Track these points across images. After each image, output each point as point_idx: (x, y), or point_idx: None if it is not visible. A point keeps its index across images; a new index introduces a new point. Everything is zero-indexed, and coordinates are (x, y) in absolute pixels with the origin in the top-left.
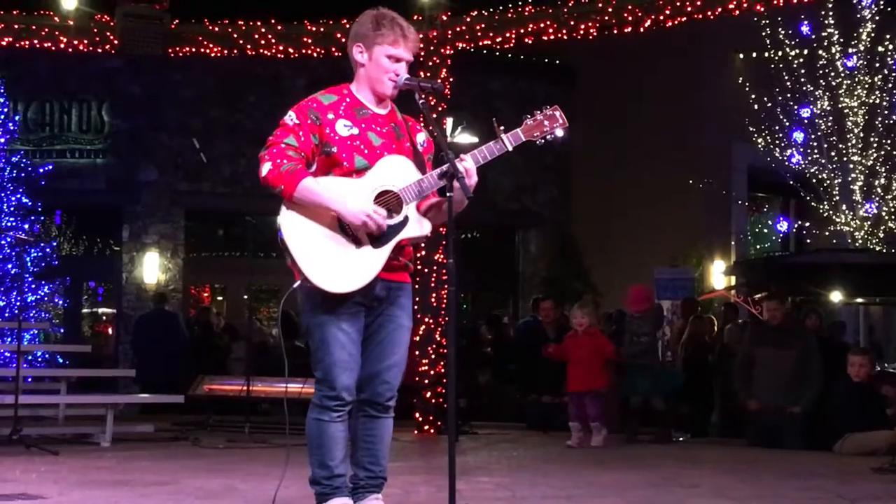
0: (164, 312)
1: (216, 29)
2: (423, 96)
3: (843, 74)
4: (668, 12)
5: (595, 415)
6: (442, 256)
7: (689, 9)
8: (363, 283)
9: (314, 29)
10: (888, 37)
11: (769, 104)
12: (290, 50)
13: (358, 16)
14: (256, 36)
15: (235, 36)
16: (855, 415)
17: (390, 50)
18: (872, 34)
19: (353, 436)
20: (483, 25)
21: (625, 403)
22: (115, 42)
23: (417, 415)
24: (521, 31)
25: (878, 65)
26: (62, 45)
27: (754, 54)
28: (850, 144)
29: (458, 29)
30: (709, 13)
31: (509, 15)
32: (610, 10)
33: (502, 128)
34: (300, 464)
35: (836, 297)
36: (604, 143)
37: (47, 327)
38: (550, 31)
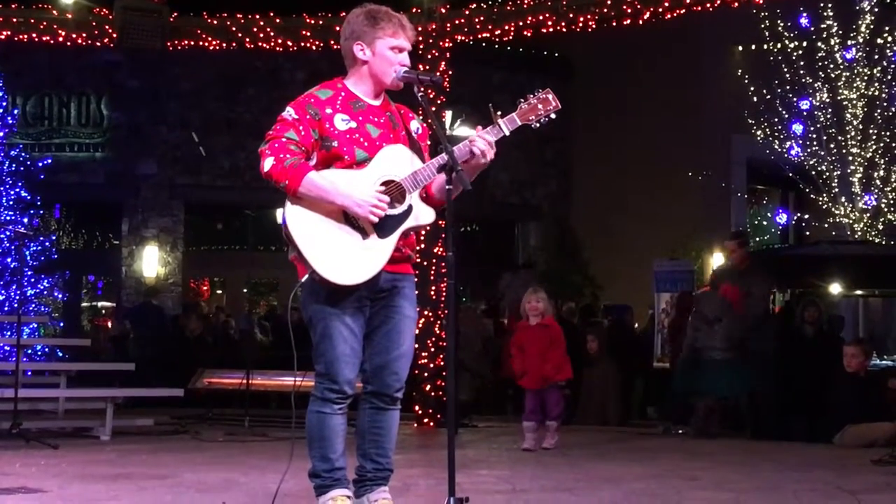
0: (150, 305)
1: (215, 22)
2: (423, 89)
3: (842, 66)
4: (666, 4)
5: (556, 413)
6: (441, 250)
7: (687, 1)
8: (372, 273)
9: (313, 22)
10: (887, 29)
11: (768, 96)
12: (289, 43)
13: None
14: (255, 29)
15: (234, 29)
16: (854, 406)
17: (392, 41)
18: (871, 26)
19: (360, 428)
20: (482, 18)
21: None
22: (114, 35)
23: (417, 408)
24: (520, 23)
25: (877, 57)
26: (61, 39)
27: (753, 46)
28: (849, 136)
29: (456, 22)
30: (707, 5)
31: (508, 7)
32: (609, 2)
33: (499, 113)
34: (299, 457)
35: (835, 289)
36: (603, 136)
37: (46, 321)
38: (549, 23)
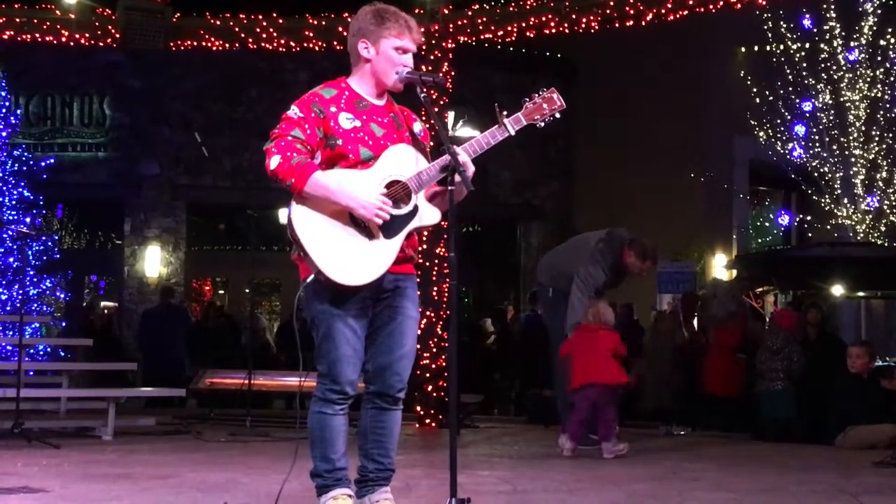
0: (171, 306)
1: (218, 22)
2: (425, 90)
3: (844, 68)
4: (669, 6)
5: (606, 431)
6: (443, 250)
7: (690, 2)
8: (378, 274)
9: (316, 22)
10: (890, 30)
11: (771, 98)
12: (292, 43)
13: (358, 10)
14: (258, 29)
15: (237, 29)
16: (856, 408)
17: (397, 42)
18: (874, 28)
19: (363, 428)
20: (484, 19)
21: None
22: (117, 36)
23: (419, 408)
24: (523, 24)
25: (879, 58)
26: (64, 39)
27: (756, 48)
28: (851, 138)
29: (459, 23)
30: (710, 6)
31: (511, 9)
32: (611, 3)
33: (504, 112)
34: (301, 456)
35: (837, 290)
36: (605, 137)
37: (49, 321)
38: (552, 24)
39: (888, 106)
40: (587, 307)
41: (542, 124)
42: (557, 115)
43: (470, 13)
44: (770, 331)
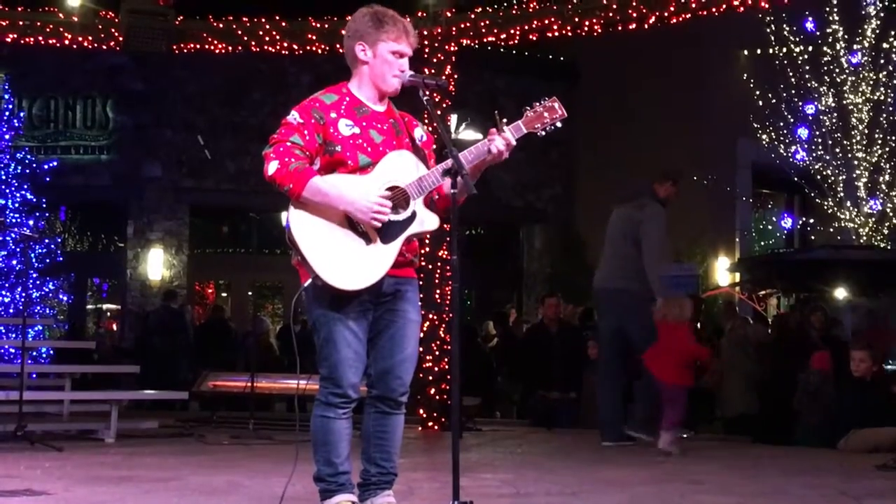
0: (170, 309)
1: (221, 25)
2: (428, 93)
3: (847, 71)
4: (672, 9)
5: (668, 419)
6: (446, 253)
7: (693, 5)
8: (375, 279)
9: (319, 25)
10: (893, 33)
11: (774, 101)
12: (295, 46)
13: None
14: (261, 32)
15: (240, 32)
16: (859, 411)
17: (394, 46)
18: (877, 31)
19: (365, 431)
20: (487, 22)
21: None
22: (120, 38)
23: (421, 411)
24: (525, 27)
25: (882, 61)
26: (67, 42)
27: (759, 51)
28: (854, 141)
29: (462, 26)
30: (713, 10)
31: (513, 12)
32: (614, 6)
33: (504, 120)
34: (304, 460)
35: (840, 293)
36: (607, 140)
37: (52, 323)
38: (554, 27)
39: (891, 109)
40: (670, 304)
41: (543, 133)
42: (559, 125)
43: (473, 16)
44: (806, 372)
